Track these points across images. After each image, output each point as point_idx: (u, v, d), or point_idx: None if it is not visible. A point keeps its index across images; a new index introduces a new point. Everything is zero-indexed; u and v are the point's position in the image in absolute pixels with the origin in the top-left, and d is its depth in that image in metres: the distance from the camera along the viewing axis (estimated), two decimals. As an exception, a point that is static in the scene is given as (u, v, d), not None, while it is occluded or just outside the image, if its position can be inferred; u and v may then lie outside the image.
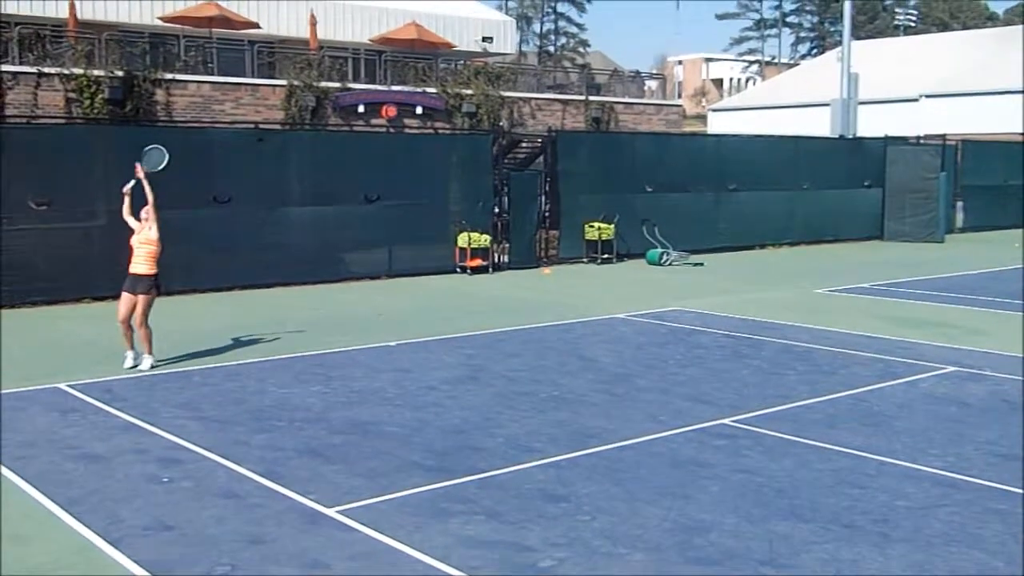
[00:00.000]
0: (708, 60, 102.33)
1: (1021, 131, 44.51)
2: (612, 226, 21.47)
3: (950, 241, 26.55)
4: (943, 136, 28.50)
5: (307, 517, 6.35)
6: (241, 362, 11.14)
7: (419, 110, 28.02)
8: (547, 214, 21.67)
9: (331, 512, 6.42)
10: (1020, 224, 30.45)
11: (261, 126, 21.41)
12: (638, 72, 39.96)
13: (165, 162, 11.02)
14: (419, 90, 28.53)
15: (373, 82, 29.77)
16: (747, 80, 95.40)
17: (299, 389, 9.83)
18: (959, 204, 29.54)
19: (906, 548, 5.89)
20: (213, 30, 28.81)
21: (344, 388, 9.93)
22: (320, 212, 18.13)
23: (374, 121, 27.06)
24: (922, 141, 29.57)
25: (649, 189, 22.73)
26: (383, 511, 6.44)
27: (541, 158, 22.70)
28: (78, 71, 23.15)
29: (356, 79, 29.99)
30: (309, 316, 14.46)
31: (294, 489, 6.85)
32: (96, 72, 23.39)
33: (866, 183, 27.19)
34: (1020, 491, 6.87)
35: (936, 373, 10.61)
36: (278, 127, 23.43)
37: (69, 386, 9.89)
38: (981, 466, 7.46)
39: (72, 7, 26.92)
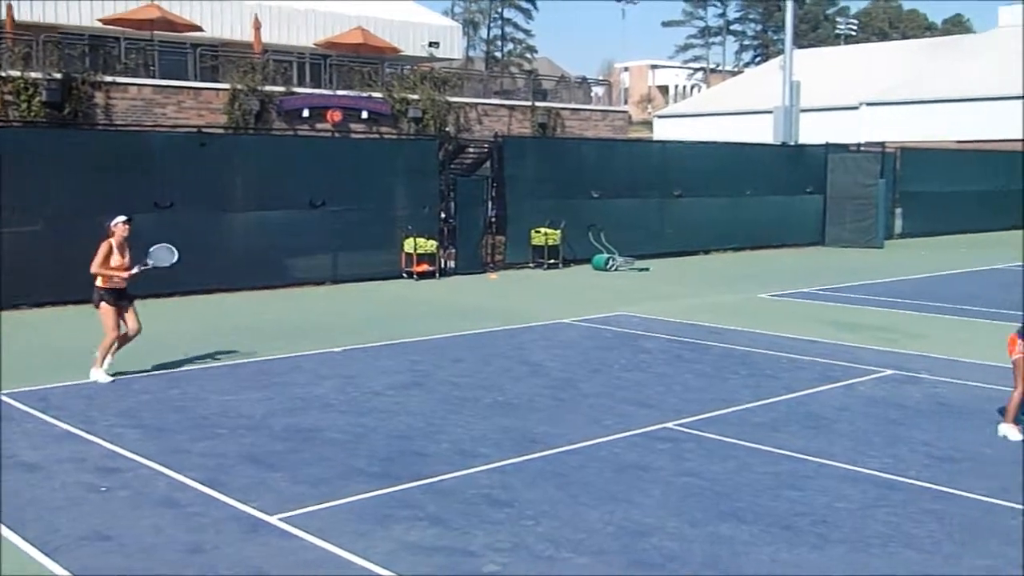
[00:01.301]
0: (654, 67, 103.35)
1: (955, 139, 45.59)
2: (558, 232, 21.56)
3: (889, 247, 27.05)
4: (882, 144, 29.04)
5: (248, 525, 6.28)
6: (182, 369, 10.99)
7: (365, 115, 27.89)
8: (494, 219, 21.68)
9: (273, 520, 6.35)
10: (956, 230, 31.15)
11: (204, 130, 21.12)
12: (585, 78, 40.17)
13: (174, 260, 10.84)
14: (365, 95, 28.40)
15: (318, 86, 29.59)
16: (692, 87, 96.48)
17: (241, 396, 9.72)
18: (898, 210, 30.11)
19: (845, 549, 5.97)
20: (154, 32, 28.39)
21: (287, 394, 9.83)
22: (264, 217, 17.97)
23: (319, 126, 26.87)
24: (862, 148, 30.10)
25: (595, 195, 22.86)
26: (326, 518, 6.39)
27: (488, 163, 22.73)
28: (15, 73, 22.69)
29: (301, 83, 29.78)
30: (252, 322, 14.30)
31: (235, 497, 6.76)
32: (33, 74, 22.94)
33: (808, 190, 27.62)
34: (955, 492, 7.01)
35: (875, 376, 10.79)
36: (221, 131, 23.15)
37: (4, 395, 9.67)
38: (917, 467, 7.60)
39: (9, 8, 26.35)
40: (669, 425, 8.76)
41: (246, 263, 17.52)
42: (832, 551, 5.94)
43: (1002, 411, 8.57)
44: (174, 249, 10.86)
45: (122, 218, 10.43)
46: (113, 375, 10.35)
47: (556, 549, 5.93)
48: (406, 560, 5.73)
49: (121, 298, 10.37)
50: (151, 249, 10.77)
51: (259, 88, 26.24)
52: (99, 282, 10.27)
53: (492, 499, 6.80)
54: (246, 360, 11.47)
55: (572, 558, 5.80)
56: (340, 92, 28.49)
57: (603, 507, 6.66)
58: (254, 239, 17.78)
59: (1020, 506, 6.71)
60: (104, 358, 10.35)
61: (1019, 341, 8.32)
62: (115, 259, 10.27)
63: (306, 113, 26.90)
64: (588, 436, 8.37)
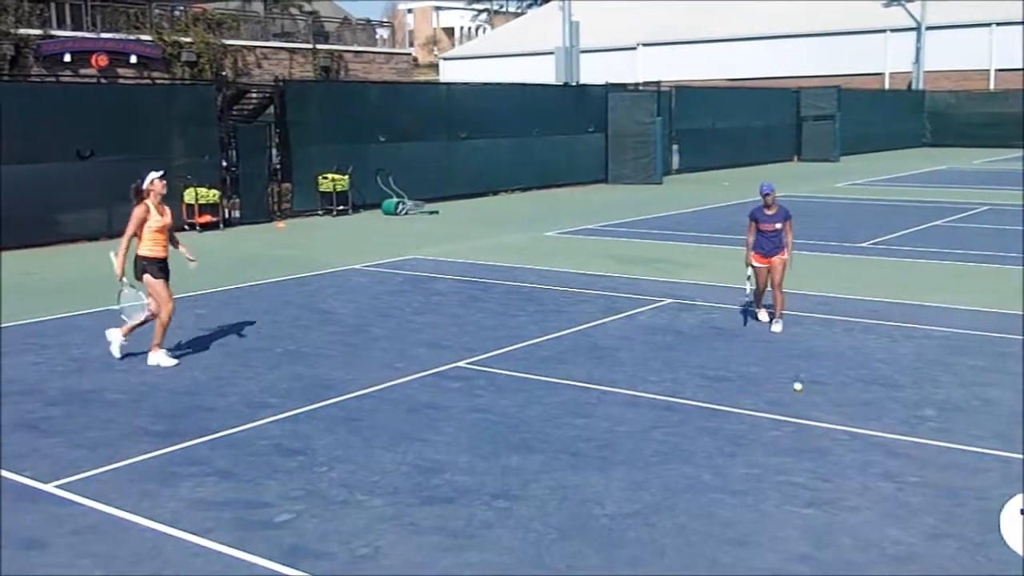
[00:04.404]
0: (438, 8, 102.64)
1: (727, 78, 47.94)
2: (346, 177, 21.24)
3: (667, 182, 28.25)
4: (658, 83, 30.13)
5: (23, 495, 5.95)
6: (-60, 336, 10.19)
7: (133, 59, 26.42)
8: (279, 167, 21.12)
9: (49, 487, 6.05)
10: (731, 164, 32.87)
11: (-49, 77, 19.44)
12: (368, 20, 39.50)
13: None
14: (132, 38, 26.88)
15: (80, 29, 27.69)
16: (477, 28, 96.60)
17: (11, 360, 9.13)
18: (674, 147, 31.41)
19: (626, 470, 6.29)
20: None
21: (62, 356, 9.32)
22: (26, 171, 16.72)
23: (83, 71, 25.24)
24: (640, 88, 31.13)
25: (382, 139, 22.64)
26: (107, 482, 6.14)
27: (271, 109, 22.03)
28: None
29: (61, 26, 27.78)
30: (19, 282, 13.39)
31: (8, 467, 6.39)
32: None
33: (590, 129, 28.36)
34: (726, 409, 7.50)
35: (654, 306, 11.33)
36: (-28, 78, 21.35)
37: None
38: (693, 388, 8.07)
39: None
40: (461, 364, 8.90)
41: (9, 220, 16.30)
42: (614, 472, 6.25)
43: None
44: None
45: (157, 173, 8.99)
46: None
47: (350, 493, 5.94)
48: (194, 517, 5.59)
49: (165, 269, 9.01)
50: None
51: (12, 31, 24.31)
52: (141, 250, 8.88)
53: (283, 448, 6.73)
54: (15, 323, 10.75)
55: (366, 500, 5.83)
56: (105, 35, 26.82)
57: (396, 448, 6.72)
58: (15, 194, 16.53)
59: (782, 418, 7.26)
60: (163, 337, 8.99)
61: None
62: (155, 220, 8.89)
63: (68, 58, 25.21)
64: (380, 380, 8.39)
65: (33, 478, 6.19)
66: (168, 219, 9.04)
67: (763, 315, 10.16)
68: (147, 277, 8.92)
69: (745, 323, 10.25)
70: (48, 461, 6.51)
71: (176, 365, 8.91)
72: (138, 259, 8.96)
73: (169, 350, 9.17)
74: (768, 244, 9.91)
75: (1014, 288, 11.99)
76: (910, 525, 5.44)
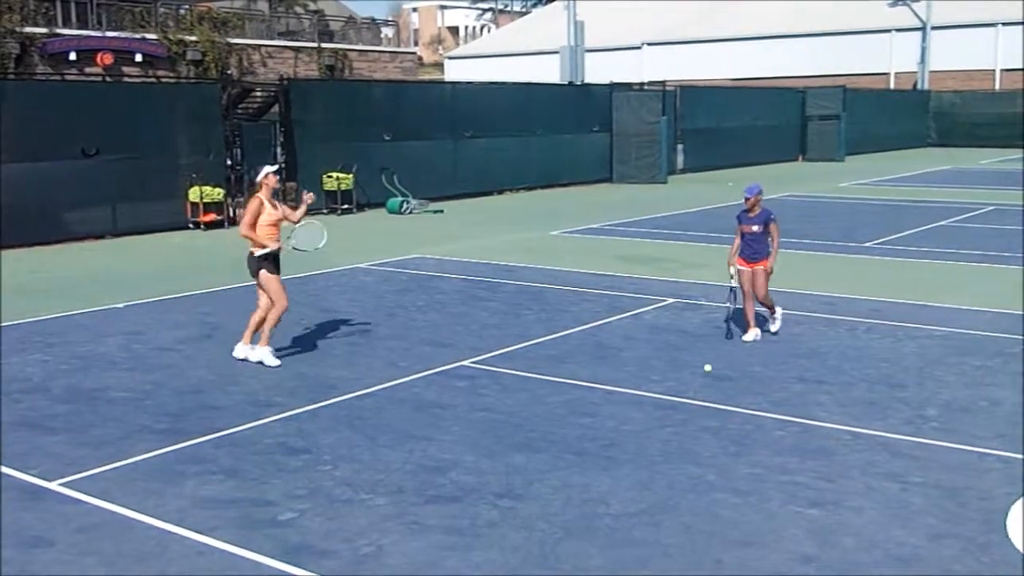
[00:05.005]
0: (443, 7, 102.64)
1: (731, 77, 47.91)
2: (351, 176, 21.26)
3: (672, 182, 28.24)
4: (663, 82, 30.11)
5: (28, 493, 5.97)
6: (-54, 334, 10.21)
7: (139, 58, 26.46)
8: (284, 165, 21.12)
9: (54, 486, 6.06)
10: (735, 164, 32.83)
11: (-43, 76, 19.47)
12: (373, 19, 39.52)
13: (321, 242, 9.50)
14: (138, 36, 26.92)
15: (86, 27, 27.73)
16: (482, 27, 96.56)
17: (16, 359, 9.15)
18: (679, 147, 31.41)
19: (631, 468, 6.30)
20: None
21: (67, 354, 9.34)
22: (31, 169, 16.76)
23: (88, 70, 25.28)
24: (645, 87, 31.12)
25: (387, 138, 22.65)
26: (112, 480, 6.16)
27: (276, 108, 22.05)
28: None
29: (66, 24, 27.81)
30: (25, 281, 13.42)
31: (12, 465, 6.40)
32: None
33: (595, 128, 28.35)
34: (730, 408, 7.50)
35: (658, 305, 11.33)
36: (-22, 77, 21.39)
37: None
38: (696, 388, 8.07)
39: None
40: (465, 363, 8.90)
41: (14, 219, 16.34)
42: (619, 471, 6.25)
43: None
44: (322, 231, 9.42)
45: (271, 168, 8.99)
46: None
47: (354, 492, 5.95)
48: (199, 515, 5.61)
49: (278, 263, 8.88)
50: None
51: (18, 30, 24.35)
52: (255, 245, 8.77)
53: (288, 447, 6.74)
54: (19, 321, 10.77)
55: (370, 499, 5.84)
56: (110, 34, 26.85)
57: (401, 447, 6.72)
58: (21, 193, 16.57)
59: (786, 418, 7.26)
60: (271, 334, 8.84)
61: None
62: (269, 214, 8.75)
63: (73, 56, 25.24)
64: (385, 379, 8.40)
65: (39, 476, 6.21)
66: (281, 213, 8.92)
67: (749, 334, 9.53)
68: (263, 273, 8.79)
69: (729, 333, 9.72)
70: (53, 459, 6.52)
71: (278, 367, 8.74)
72: (250, 255, 8.85)
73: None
74: (748, 249, 9.58)
75: (1018, 289, 11.97)
76: (914, 525, 5.44)
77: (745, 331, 9.61)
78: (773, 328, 9.80)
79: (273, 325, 8.87)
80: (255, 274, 8.86)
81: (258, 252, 8.76)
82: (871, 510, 5.64)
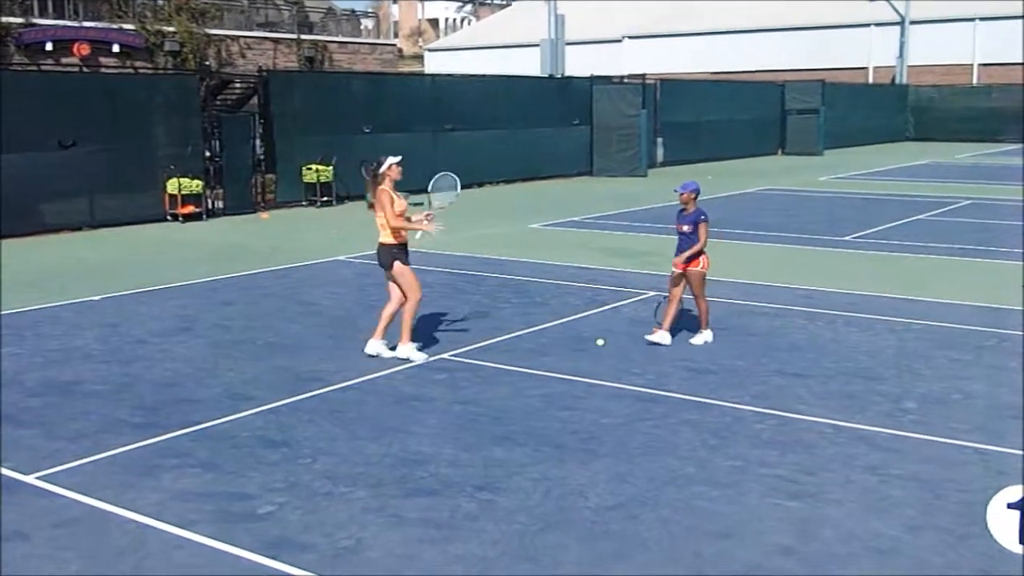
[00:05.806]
0: None
1: (710, 71, 48.03)
2: (330, 168, 21.16)
3: (652, 175, 28.26)
4: (643, 76, 30.11)
5: (3, 487, 5.90)
6: (-81, 327, 10.10)
7: (116, 48, 26.21)
8: (263, 157, 21.02)
9: (30, 479, 6.00)
10: (715, 157, 32.90)
11: (-69, 65, 19.24)
12: (352, 11, 39.35)
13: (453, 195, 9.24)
14: (115, 27, 26.66)
15: (62, 17, 27.44)
16: (463, 20, 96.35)
17: (-10, 352, 9.05)
18: (659, 140, 31.44)
19: (610, 462, 6.30)
20: None
21: (41, 347, 9.24)
22: (7, 160, 16.58)
23: (65, 60, 25.03)
24: (625, 80, 31.11)
25: (367, 130, 22.55)
26: (88, 473, 6.10)
27: (255, 99, 21.92)
28: None
29: (43, 14, 27.51)
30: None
31: (-14, 459, 6.34)
32: None
33: (575, 121, 28.34)
34: (710, 401, 7.52)
35: (639, 299, 11.33)
36: (-48, 66, 21.15)
37: None
38: (677, 381, 8.08)
39: None
40: (445, 356, 8.88)
41: (-11, 210, 16.18)
42: (598, 464, 6.25)
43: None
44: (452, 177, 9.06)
45: (395, 159, 8.79)
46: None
47: (334, 485, 5.92)
48: (177, 509, 5.56)
49: (407, 254, 8.70)
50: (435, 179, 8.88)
51: (-7, 19, 24.11)
52: (384, 238, 8.56)
53: (267, 440, 6.70)
54: (-7, 314, 10.67)
55: (350, 492, 5.82)
56: (87, 24, 26.58)
57: (381, 440, 6.70)
58: (-3, 184, 16.43)
59: (766, 411, 7.28)
60: (411, 327, 8.64)
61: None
62: (399, 204, 8.62)
63: (49, 46, 24.98)
64: (365, 371, 8.36)
65: (14, 470, 6.14)
66: (405, 203, 8.76)
67: (657, 335, 9.02)
68: (397, 265, 8.64)
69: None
70: (28, 453, 6.46)
71: (428, 361, 8.57)
72: (383, 247, 8.69)
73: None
74: (679, 249, 9.23)
75: (995, 282, 12.06)
76: (892, 517, 5.47)
77: (655, 331, 9.13)
78: (692, 341, 9.20)
79: (411, 318, 8.70)
80: (389, 266, 8.68)
81: (389, 243, 8.62)
82: (850, 502, 5.67)
